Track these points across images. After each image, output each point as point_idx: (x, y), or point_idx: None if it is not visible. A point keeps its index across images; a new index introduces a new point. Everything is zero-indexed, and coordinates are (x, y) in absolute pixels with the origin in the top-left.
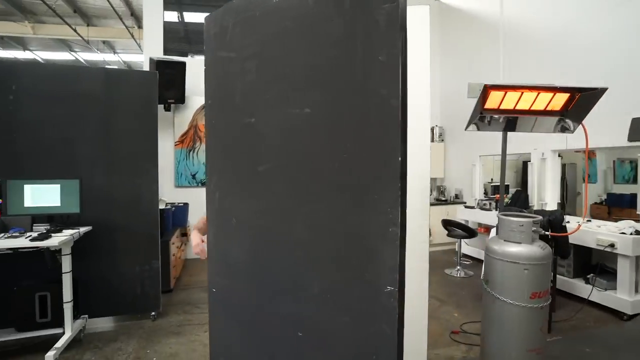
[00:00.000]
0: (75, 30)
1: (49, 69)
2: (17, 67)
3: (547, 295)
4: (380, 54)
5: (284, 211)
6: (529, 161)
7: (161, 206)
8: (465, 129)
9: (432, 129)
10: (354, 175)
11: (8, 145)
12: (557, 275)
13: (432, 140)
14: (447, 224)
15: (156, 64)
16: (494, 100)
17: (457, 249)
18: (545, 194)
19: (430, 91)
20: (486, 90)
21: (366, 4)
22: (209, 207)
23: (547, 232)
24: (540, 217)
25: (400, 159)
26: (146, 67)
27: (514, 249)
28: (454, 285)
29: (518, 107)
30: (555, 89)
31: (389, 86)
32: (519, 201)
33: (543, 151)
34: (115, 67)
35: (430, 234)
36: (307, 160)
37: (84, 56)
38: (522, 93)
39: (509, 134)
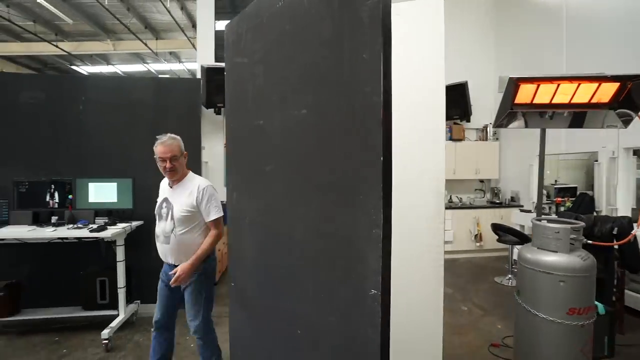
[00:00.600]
0: (146, 45)
1: (110, 81)
2: (85, 81)
3: (591, 312)
4: (364, 51)
5: (283, 211)
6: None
7: None
8: (494, 126)
9: (485, 127)
10: (340, 175)
11: (78, 149)
12: (628, 292)
13: (485, 139)
14: (497, 228)
15: (207, 70)
16: (525, 94)
17: (509, 256)
18: (616, 197)
19: (484, 86)
20: (514, 83)
21: (352, 1)
22: (228, 206)
23: (589, 241)
24: (582, 224)
25: (382, 158)
26: (199, 74)
27: (548, 258)
28: (502, 295)
29: (556, 101)
30: (600, 79)
31: (372, 83)
32: (582, 205)
33: (614, 149)
34: (179, 75)
35: (479, 239)
36: (302, 161)
37: (154, 66)
38: (559, 85)
39: (573, 130)
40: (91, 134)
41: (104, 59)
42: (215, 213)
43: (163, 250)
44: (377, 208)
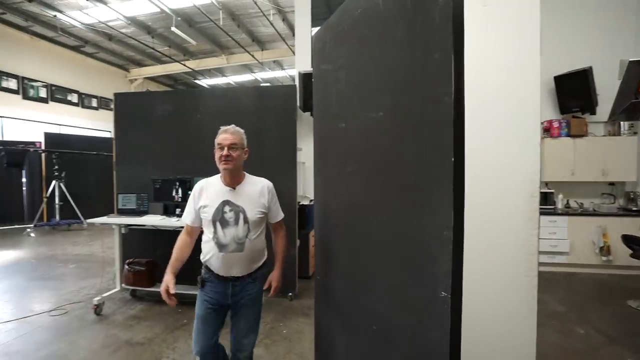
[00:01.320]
0: (253, 56)
1: (220, 92)
2: (202, 94)
3: None
4: (435, 52)
5: (362, 210)
6: None
7: (305, 202)
8: (609, 119)
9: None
10: (413, 176)
11: (197, 151)
12: None
13: (617, 134)
14: (631, 241)
15: (303, 76)
16: None
17: None
18: None
19: (617, 71)
20: (638, 67)
21: (424, 2)
22: (315, 205)
23: None
24: None
25: (453, 159)
26: (297, 80)
27: None
28: (636, 322)
29: None
30: None
31: (443, 84)
32: None
33: None
34: (282, 82)
35: (606, 252)
36: (379, 162)
37: (260, 75)
38: None
39: None
40: (206, 138)
41: (220, 72)
42: (281, 212)
43: (230, 260)
44: (447, 209)
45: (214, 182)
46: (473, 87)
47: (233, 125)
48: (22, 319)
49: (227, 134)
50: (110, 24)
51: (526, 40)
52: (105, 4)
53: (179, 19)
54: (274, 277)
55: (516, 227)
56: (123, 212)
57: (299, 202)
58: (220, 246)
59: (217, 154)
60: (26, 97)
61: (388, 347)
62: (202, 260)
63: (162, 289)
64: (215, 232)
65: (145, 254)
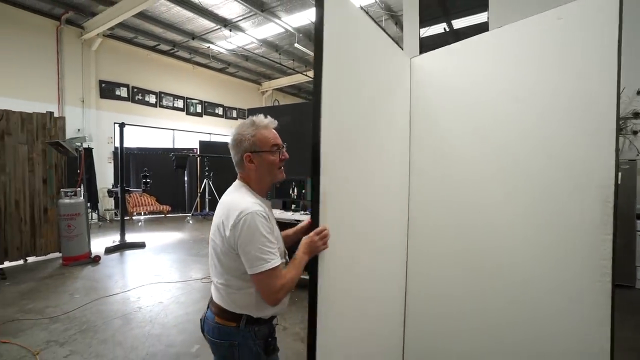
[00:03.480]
0: None
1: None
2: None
3: None
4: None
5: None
6: None
7: None
8: None
9: None
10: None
11: (308, 154)
12: None
13: None
14: None
15: None
16: None
17: None
18: None
19: None
20: None
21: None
22: None
23: None
24: None
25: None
26: None
27: None
28: None
29: None
30: None
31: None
32: None
33: None
34: None
35: None
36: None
37: None
38: None
39: None
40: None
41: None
42: None
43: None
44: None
45: (261, 201)
46: (543, 93)
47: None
48: (183, 282)
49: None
50: (246, 47)
51: (605, 47)
52: (243, 31)
53: (300, 35)
54: None
55: (589, 232)
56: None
57: None
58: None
59: (275, 158)
60: (188, 112)
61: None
62: (267, 316)
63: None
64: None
65: None
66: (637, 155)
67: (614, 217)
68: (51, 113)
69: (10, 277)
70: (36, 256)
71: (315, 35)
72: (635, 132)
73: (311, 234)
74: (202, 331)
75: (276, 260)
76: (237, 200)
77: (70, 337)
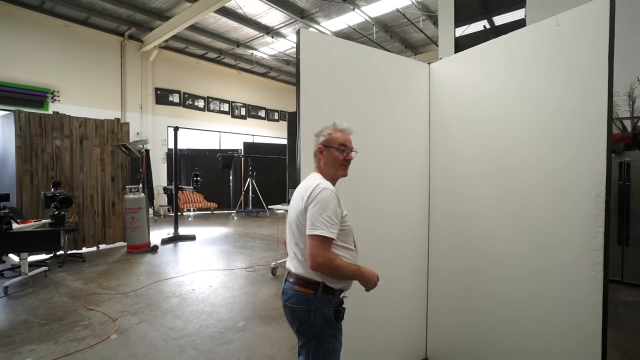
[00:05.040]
0: None
1: None
2: None
3: None
4: None
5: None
6: None
7: None
8: None
9: None
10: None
11: None
12: None
13: None
14: None
15: None
16: None
17: None
18: None
19: None
20: None
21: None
22: None
23: None
24: None
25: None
26: None
27: None
28: None
29: None
30: None
31: None
32: None
33: None
34: None
35: None
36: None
37: None
38: None
39: None
40: None
41: None
42: None
43: None
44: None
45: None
46: (541, 101)
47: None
48: (229, 270)
49: (350, 136)
50: (287, 52)
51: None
52: (284, 37)
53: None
54: None
55: (582, 225)
56: None
57: None
58: (355, 257)
59: (339, 155)
60: (233, 115)
61: None
62: (338, 286)
63: (375, 279)
64: (354, 242)
65: None
66: None
67: (606, 211)
68: (118, 119)
69: (88, 260)
70: (106, 244)
71: (296, 64)
72: None
73: (376, 276)
74: (282, 301)
75: (329, 234)
76: (317, 180)
77: (139, 309)
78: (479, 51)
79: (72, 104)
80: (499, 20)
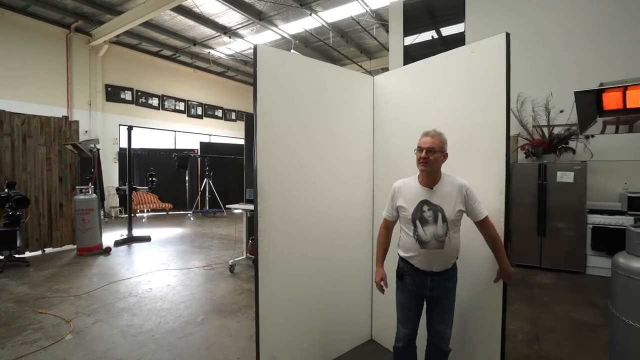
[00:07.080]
0: (360, 66)
1: None
2: None
3: None
4: None
5: None
6: None
7: None
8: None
9: None
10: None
11: None
12: None
13: None
14: None
15: None
16: (613, 100)
17: None
18: None
19: None
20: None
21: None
22: None
23: None
24: None
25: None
26: None
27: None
28: None
29: None
30: None
31: None
32: None
33: None
34: None
35: None
36: None
37: None
38: None
39: None
40: None
41: None
42: (484, 210)
43: (432, 257)
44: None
45: (411, 183)
46: (454, 123)
47: (435, 129)
48: (187, 269)
49: (428, 137)
50: (244, 52)
51: (499, 77)
52: (242, 38)
53: (297, 42)
54: (507, 273)
55: (492, 217)
56: (249, 201)
57: None
58: (422, 243)
59: (417, 155)
60: (189, 115)
61: None
62: (402, 256)
63: (377, 280)
64: (415, 229)
65: None
66: (591, 157)
67: (506, 205)
68: (66, 117)
69: (33, 264)
70: (53, 247)
71: (253, 77)
72: (587, 137)
73: (378, 278)
74: None
75: (384, 214)
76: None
77: (94, 310)
78: (415, 68)
79: (11, 99)
80: (445, 31)
